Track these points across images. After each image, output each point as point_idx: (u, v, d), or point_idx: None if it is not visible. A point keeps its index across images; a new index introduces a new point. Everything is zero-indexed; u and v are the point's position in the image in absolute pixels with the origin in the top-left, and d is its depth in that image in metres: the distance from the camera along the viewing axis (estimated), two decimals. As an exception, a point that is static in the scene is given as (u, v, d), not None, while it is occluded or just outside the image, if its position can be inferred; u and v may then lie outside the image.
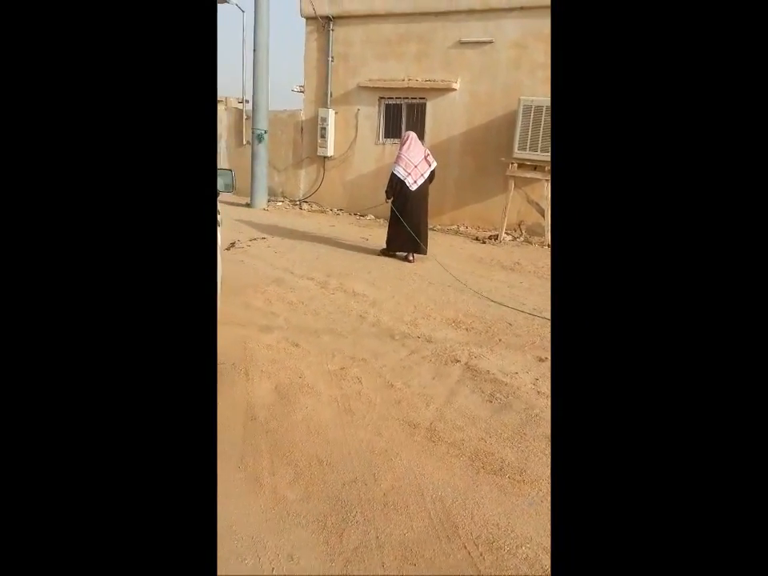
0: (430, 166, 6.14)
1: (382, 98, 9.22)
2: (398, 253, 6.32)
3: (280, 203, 10.03)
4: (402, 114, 9.16)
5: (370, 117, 9.33)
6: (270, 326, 3.97)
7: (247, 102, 10.48)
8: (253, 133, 9.39)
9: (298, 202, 10.06)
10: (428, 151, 6.24)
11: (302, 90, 10.03)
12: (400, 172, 6.05)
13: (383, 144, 9.21)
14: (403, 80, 8.84)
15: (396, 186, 6.09)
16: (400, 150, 6.21)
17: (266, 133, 9.37)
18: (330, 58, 9.42)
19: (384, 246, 6.45)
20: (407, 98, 8.99)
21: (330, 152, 9.64)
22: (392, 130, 9.32)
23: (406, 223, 6.06)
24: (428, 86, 8.64)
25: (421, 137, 8.96)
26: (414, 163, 6.08)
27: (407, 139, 6.17)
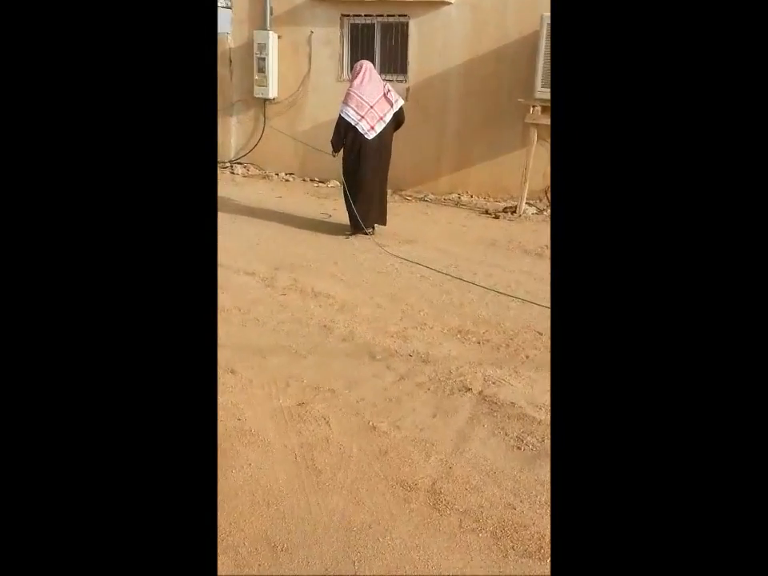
0: (392, 106, 6.31)
1: (345, 15, 9.16)
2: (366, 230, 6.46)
3: (203, 167, 9.88)
4: (375, 39, 9.12)
5: (330, 42, 9.28)
6: None
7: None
8: (161, 66, 9.21)
9: (227, 165, 9.97)
10: (389, 86, 6.42)
11: (229, 5, 9.89)
12: (350, 114, 6.23)
13: (348, 80, 9.10)
14: None
15: (346, 135, 6.27)
16: (350, 85, 6.39)
17: (180, 66, 9.21)
18: (271, -41, 9.33)
19: (349, 225, 6.57)
20: (382, 15, 8.94)
21: (273, 93, 9.56)
22: (361, 59, 9.16)
23: (365, 184, 6.29)
24: (411, -2, 8.59)
25: (403, 70, 8.95)
26: (369, 103, 6.24)
27: (360, 71, 6.36)
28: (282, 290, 4.93)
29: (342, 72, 9.26)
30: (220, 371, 3.56)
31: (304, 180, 9.48)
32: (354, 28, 9.22)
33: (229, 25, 9.88)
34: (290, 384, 3.47)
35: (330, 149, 6.51)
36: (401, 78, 8.91)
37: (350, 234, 6.47)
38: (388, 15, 8.88)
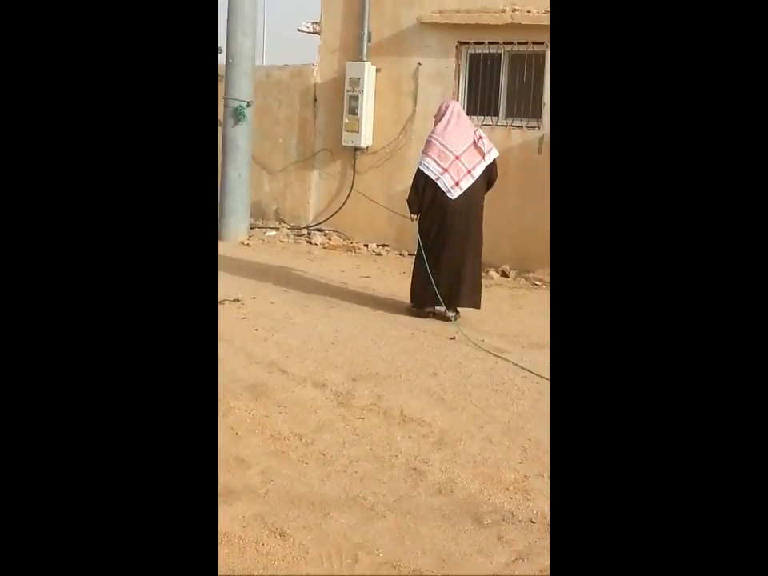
0: (483, 157, 6.44)
1: (463, 42, 9.25)
2: (434, 310, 6.66)
3: (272, 232, 10.03)
4: (501, 73, 9.15)
5: (442, 77, 9.36)
6: (231, 490, 3.71)
7: (220, 51, 10.57)
8: (226, 106, 9.43)
9: (304, 232, 10.07)
10: (481, 132, 6.58)
11: (317, 29, 10.11)
12: (430, 167, 6.42)
13: (465, 126, 9.09)
14: (503, 10, 8.84)
15: (425, 192, 6.46)
16: (432, 130, 6.63)
17: (249, 106, 9.42)
18: (370, -27, 9.57)
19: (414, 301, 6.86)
20: (510, 42, 8.97)
21: (366, 140, 9.66)
22: (482, 99, 9.26)
23: (445, 254, 6.46)
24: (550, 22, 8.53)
25: (536, 114, 8.89)
26: (455, 152, 6.40)
27: (445, 112, 6.58)
28: (360, 410, 4.74)
29: (456, 115, 9.26)
30: (267, 533, 3.37)
31: (401, 254, 9.43)
32: (473, 59, 9.30)
33: (316, 54, 10.11)
34: (360, 558, 3.23)
35: (408, 211, 6.72)
36: (533, 123, 8.90)
37: (414, 313, 6.74)
38: (519, 43, 8.92)
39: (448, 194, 6.36)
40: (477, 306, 6.65)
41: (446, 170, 6.36)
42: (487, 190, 6.61)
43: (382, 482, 3.88)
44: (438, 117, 6.63)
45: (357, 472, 3.96)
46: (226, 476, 3.83)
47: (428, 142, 6.52)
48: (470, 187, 6.38)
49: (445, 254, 6.45)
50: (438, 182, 6.37)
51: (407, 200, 6.67)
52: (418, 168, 6.51)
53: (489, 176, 6.51)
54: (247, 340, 5.91)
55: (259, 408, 4.67)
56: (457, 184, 6.37)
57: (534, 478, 3.96)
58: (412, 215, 6.69)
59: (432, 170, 6.38)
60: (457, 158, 6.38)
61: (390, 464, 4.07)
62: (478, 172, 6.41)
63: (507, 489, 3.86)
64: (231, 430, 4.34)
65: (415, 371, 5.45)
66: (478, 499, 3.75)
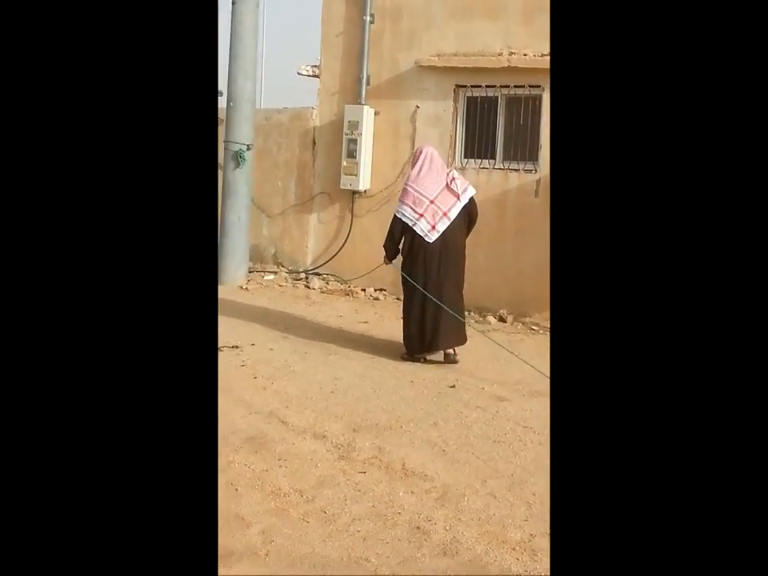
0: (458, 198, 6.55)
1: (461, 86, 9.28)
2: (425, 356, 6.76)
3: (271, 276, 9.99)
4: (498, 116, 9.17)
5: (440, 120, 9.39)
6: (232, 552, 3.61)
7: (220, 94, 10.57)
8: (226, 150, 9.44)
9: (303, 275, 10.04)
10: (455, 173, 6.71)
11: (317, 72, 10.15)
12: (406, 214, 6.56)
13: (463, 169, 9.11)
14: (500, 54, 8.87)
15: (403, 237, 6.62)
16: (407, 177, 6.81)
17: (248, 149, 9.44)
18: (368, 18, 9.60)
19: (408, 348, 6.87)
20: (507, 86, 9.00)
21: (365, 184, 9.67)
22: (480, 142, 9.27)
23: (427, 297, 6.53)
24: (546, 65, 8.52)
25: (532, 157, 8.91)
26: (429, 197, 6.53)
27: (419, 158, 6.71)
28: (362, 464, 4.64)
29: (454, 159, 9.27)
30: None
31: (398, 299, 9.26)
32: (471, 102, 9.36)
33: (315, 97, 10.17)
34: (364, 628, 3.13)
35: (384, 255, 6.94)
36: (529, 166, 8.91)
37: (407, 358, 6.74)
38: (515, 86, 8.98)
39: (426, 238, 6.48)
40: (462, 342, 6.74)
41: (421, 216, 6.48)
42: (469, 228, 6.73)
43: (385, 542, 3.77)
44: (413, 163, 6.81)
45: (359, 531, 3.86)
46: (226, 536, 3.74)
47: (404, 190, 6.68)
48: (447, 229, 6.49)
49: (427, 297, 6.51)
50: (414, 228, 6.49)
51: (383, 245, 6.84)
52: (395, 215, 6.65)
53: (468, 215, 6.63)
54: (246, 389, 5.85)
55: (259, 462, 4.59)
56: (433, 227, 6.49)
57: (540, 537, 3.85)
58: (386, 260, 6.92)
59: (408, 217, 6.52)
60: (431, 202, 6.49)
61: (392, 522, 3.96)
62: (454, 213, 6.52)
63: (514, 549, 3.74)
64: (231, 486, 4.25)
65: (416, 421, 5.36)
66: (485, 560, 3.64)
